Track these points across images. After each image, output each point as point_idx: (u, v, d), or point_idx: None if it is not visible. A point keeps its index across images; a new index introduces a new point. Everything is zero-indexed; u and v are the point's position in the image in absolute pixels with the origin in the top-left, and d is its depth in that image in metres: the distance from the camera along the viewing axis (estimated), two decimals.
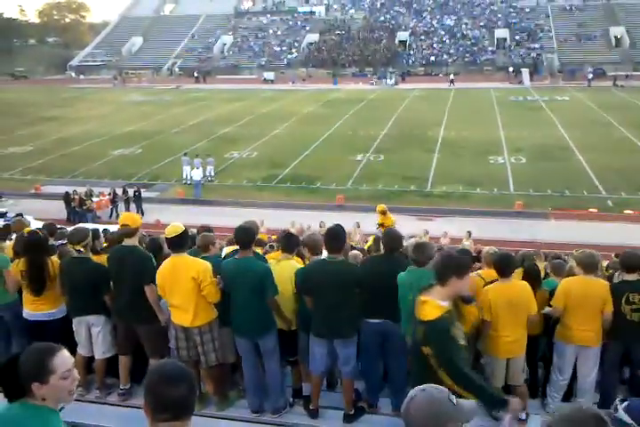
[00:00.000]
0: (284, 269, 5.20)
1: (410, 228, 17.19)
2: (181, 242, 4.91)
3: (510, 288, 4.93)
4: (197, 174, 23.66)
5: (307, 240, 5.54)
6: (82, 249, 5.38)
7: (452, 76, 49.72)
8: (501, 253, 5.40)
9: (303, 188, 24.05)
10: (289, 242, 5.48)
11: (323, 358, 5.06)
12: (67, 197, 21.11)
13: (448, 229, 16.92)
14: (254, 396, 5.23)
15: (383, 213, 14.80)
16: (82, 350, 5.41)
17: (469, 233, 16.34)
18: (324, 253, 5.22)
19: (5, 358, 2.34)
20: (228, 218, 19.10)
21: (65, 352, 2.38)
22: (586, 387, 5.36)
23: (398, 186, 23.55)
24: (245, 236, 5.01)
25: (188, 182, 24.85)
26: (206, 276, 4.85)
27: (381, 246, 5.53)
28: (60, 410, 2.44)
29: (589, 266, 5.21)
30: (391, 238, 5.23)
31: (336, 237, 4.96)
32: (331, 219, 17.68)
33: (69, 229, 6.79)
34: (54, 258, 5.59)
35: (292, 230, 16.67)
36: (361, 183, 24.14)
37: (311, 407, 5.20)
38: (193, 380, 2.14)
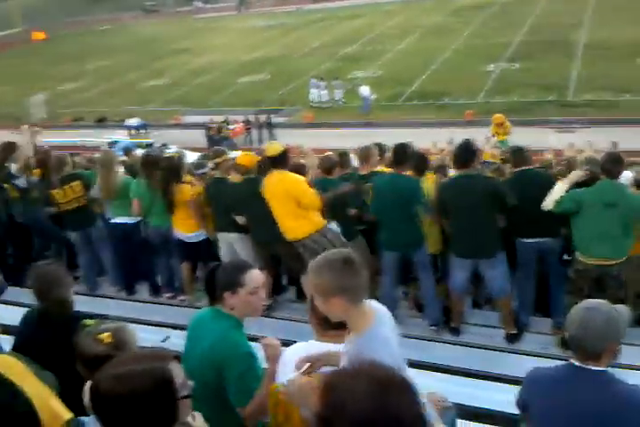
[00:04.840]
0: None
1: (548, 141, 16.24)
2: (284, 159, 5.08)
3: None
4: (365, 90, 23.41)
5: None
6: (213, 164, 5.88)
7: None
8: None
9: (430, 104, 23.28)
10: (421, 162, 5.49)
11: (463, 278, 4.95)
12: (206, 127, 22.34)
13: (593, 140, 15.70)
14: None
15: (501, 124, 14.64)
16: None
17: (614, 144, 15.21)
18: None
19: (207, 270, 2.76)
20: (353, 140, 19.12)
21: (256, 271, 2.66)
22: None
23: (535, 96, 22.03)
24: (403, 152, 5.09)
25: (316, 105, 25.20)
26: (299, 186, 4.93)
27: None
28: None
29: None
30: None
31: (465, 150, 4.85)
32: (459, 136, 17.13)
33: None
34: (186, 186, 5.80)
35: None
36: (493, 96, 22.85)
37: (452, 326, 5.17)
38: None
